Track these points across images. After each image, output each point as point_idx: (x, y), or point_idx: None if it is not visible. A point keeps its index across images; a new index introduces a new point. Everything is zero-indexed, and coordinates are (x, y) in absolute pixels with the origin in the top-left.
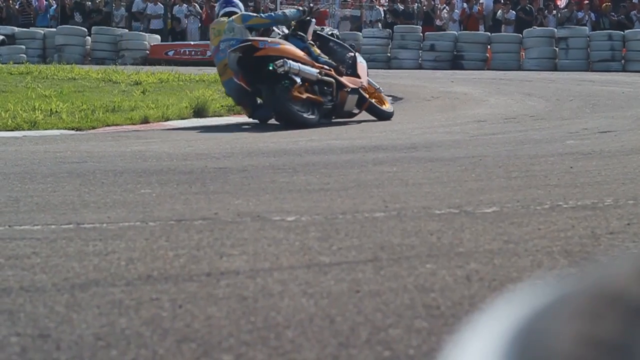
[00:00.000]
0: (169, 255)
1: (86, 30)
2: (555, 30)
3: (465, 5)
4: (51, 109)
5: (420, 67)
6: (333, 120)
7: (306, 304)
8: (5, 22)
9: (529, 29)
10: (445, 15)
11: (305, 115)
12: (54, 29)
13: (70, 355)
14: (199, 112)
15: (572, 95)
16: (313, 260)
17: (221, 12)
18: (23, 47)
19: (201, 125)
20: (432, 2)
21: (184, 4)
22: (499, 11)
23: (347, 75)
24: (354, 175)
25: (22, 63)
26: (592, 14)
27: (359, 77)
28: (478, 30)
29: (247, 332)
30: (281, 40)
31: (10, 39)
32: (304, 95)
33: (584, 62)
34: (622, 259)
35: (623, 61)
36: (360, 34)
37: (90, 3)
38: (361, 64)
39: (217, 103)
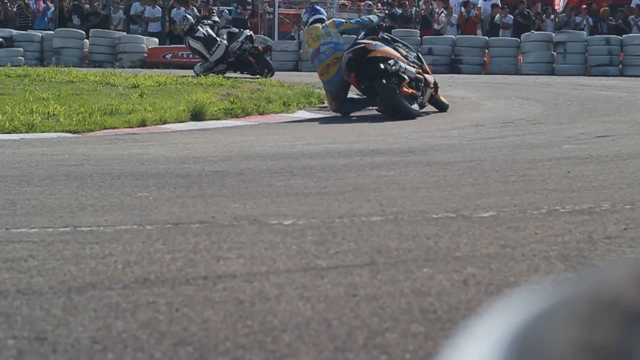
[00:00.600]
0: (166, 258)
1: (84, 33)
2: (553, 34)
3: (462, 9)
4: (49, 112)
5: None
6: (333, 123)
7: (303, 307)
8: (3, 24)
9: (527, 33)
10: (443, 19)
11: (411, 106)
12: (52, 32)
13: (66, 359)
14: (197, 116)
15: (569, 100)
16: (310, 264)
17: (311, 20)
18: (21, 49)
19: (199, 129)
20: (430, 6)
21: (182, 7)
22: (497, 15)
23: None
24: (351, 179)
25: (20, 65)
26: (590, 19)
27: (429, 73)
28: (476, 35)
29: (243, 335)
30: (380, 43)
31: (8, 42)
32: (409, 91)
33: (582, 67)
34: (619, 264)
35: (620, 66)
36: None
37: (88, 6)
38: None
39: (215, 106)
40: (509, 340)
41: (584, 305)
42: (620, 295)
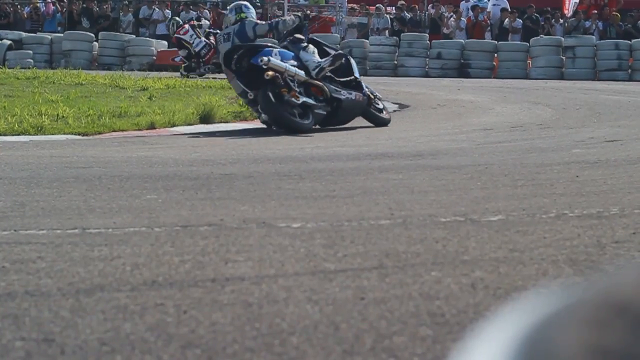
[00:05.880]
0: (174, 261)
1: (93, 35)
2: (563, 39)
3: (471, 13)
4: (58, 114)
5: (426, 75)
6: (342, 127)
7: (311, 310)
8: (12, 27)
9: (536, 37)
10: (452, 23)
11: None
12: (61, 35)
13: None
14: (206, 118)
15: (578, 104)
16: (318, 267)
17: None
18: (30, 52)
19: (207, 132)
20: (439, 10)
21: (191, 11)
22: (506, 19)
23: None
24: (359, 182)
25: (29, 68)
26: (600, 23)
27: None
28: (484, 39)
29: (251, 338)
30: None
31: (18, 44)
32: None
33: (591, 71)
34: (628, 268)
35: (630, 70)
36: (367, 41)
37: (97, 9)
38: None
39: (224, 109)
40: (518, 343)
41: (593, 309)
42: (630, 299)
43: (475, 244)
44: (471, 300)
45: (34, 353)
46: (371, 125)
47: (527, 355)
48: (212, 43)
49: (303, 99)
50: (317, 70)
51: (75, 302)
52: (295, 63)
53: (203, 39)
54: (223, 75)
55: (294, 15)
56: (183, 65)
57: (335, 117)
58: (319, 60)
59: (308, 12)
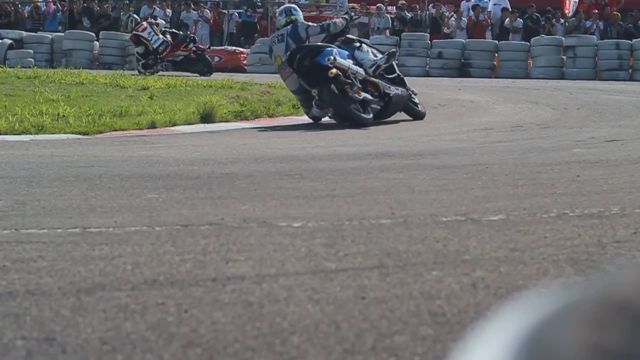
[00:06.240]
0: (175, 260)
1: (94, 35)
2: (563, 38)
3: (472, 13)
4: (58, 113)
5: (427, 75)
6: (343, 126)
7: (312, 310)
8: (13, 26)
9: (537, 37)
10: (453, 23)
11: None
12: (62, 34)
13: (75, 359)
14: (206, 118)
15: (579, 104)
16: (319, 266)
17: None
18: (31, 51)
19: (208, 131)
20: (440, 10)
21: (192, 10)
22: (507, 19)
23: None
24: (360, 181)
25: (30, 67)
26: (600, 23)
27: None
28: (485, 38)
29: (252, 337)
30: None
31: (19, 43)
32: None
33: (592, 71)
34: (628, 268)
35: (630, 70)
36: (368, 41)
37: (98, 8)
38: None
39: (225, 109)
40: (519, 343)
41: (594, 309)
42: (630, 299)
43: (476, 244)
44: (472, 299)
45: (34, 352)
46: (374, 124)
47: (528, 355)
48: (169, 40)
49: (364, 94)
50: (373, 67)
51: (76, 301)
52: (352, 61)
53: (160, 36)
54: (180, 73)
55: (342, 18)
56: (140, 62)
57: (385, 111)
58: (375, 58)
59: (353, 14)
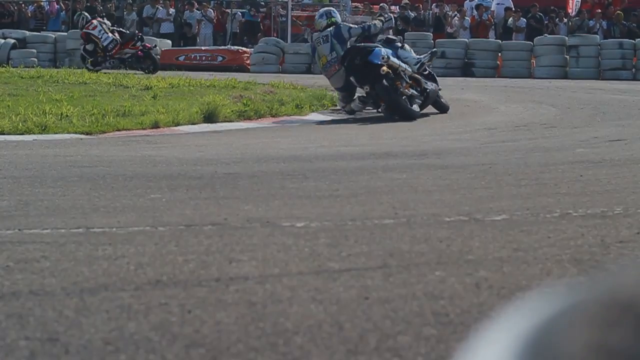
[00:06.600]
0: (178, 260)
1: None
2: (566, 38)
3: (475, 12)
4: (62, 113)
5: None
6: (346, 126)
7: (315, 310)
8: (16, 26)
9: (540, 36)
10: (456, 22)
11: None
12: (65, 33)
13: None
14: (210, 118)
15: (582, 104)
16: (322, 266)
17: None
18: (34, 51)
19: (211, 131)
20: (443, 9)
21: (195, 10)
22: (510, 19)
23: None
24: (363, 181)
25: (33, 67)
26: (604, 22)
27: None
28: (488, 38)
29: (256, 337)
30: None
31: (22, 43)
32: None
33: (595, 71)
34: (632, 267)
35: (634, 70)
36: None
37: (101, 7)
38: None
39: (228, 108)
40: (523, 343)
41: (598, 309)
42: (634, 299)
43: (479, 244)
44: (475, 299)
45: (38, 352)
46: (378, 123)
47: (531, 355)
48: (118, 39)
49: (412, 90)
50: (418, 65)
51: (80, 301)
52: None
53: (110, 34)
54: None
55: (379, 20)
56: (90, 59)
57: (424, 105)
58: (418, 56)
59: (386, 16)
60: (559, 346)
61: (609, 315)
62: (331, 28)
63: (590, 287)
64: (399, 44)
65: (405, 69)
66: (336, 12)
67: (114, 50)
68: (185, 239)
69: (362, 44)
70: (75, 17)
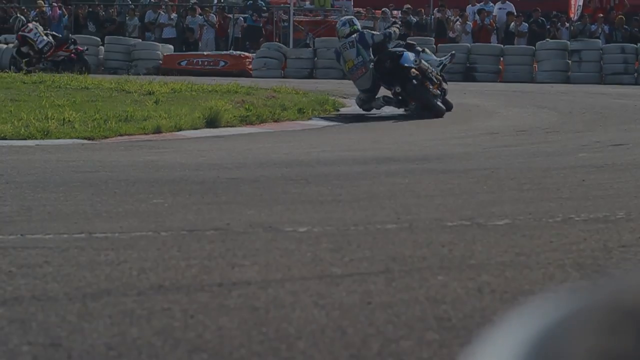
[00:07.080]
0: (181, 265)
1: (99, 39)
2: (568, 42)
3: (477, 17)
4: (64, 118)
5: None
6: (348, 131)
7: (318, 315)
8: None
9: (542, 41)
10: (458, 27)
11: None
12: None
13: None
14: (212, 123)
15: (584, 108)
16: (325, 271)
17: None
18: None
19: (213, 136)
20: (445, 14)
21: (197, 15)
22: (512, 23)
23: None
24: (366, 186)
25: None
26: (606, 27)
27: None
28: (490, 43)
29: (258, 342)
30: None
31: None
32: (437, 91)
33: (597, 75)
34: (635, 273)
35: (636, 74)
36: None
37: (103, 13)
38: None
39: (230, 113)
40: (526, 348)
41: (601, 314)
42: (637, 304)
43: (481, 248)
44: (478, 304)
45: (40, 357)
46: (380, 128)
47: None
48: (53, 42)
49: (437, 91)
50: (440, 67)
51: (82, 306)
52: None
53: (45, 37)
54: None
55: (396, 27)
56: (24, 60)
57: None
58: (440, 59)
59: (400, 23)
60: (562, 351)
61: (612, 320)
62: (355, 35)
63: (593, 293)
64: (419, 48)
65: (433, 70)
66: (356, 20)
67: (49, 53)
68: (187, 244)
69: (394, 49)
70: (11, 20)
